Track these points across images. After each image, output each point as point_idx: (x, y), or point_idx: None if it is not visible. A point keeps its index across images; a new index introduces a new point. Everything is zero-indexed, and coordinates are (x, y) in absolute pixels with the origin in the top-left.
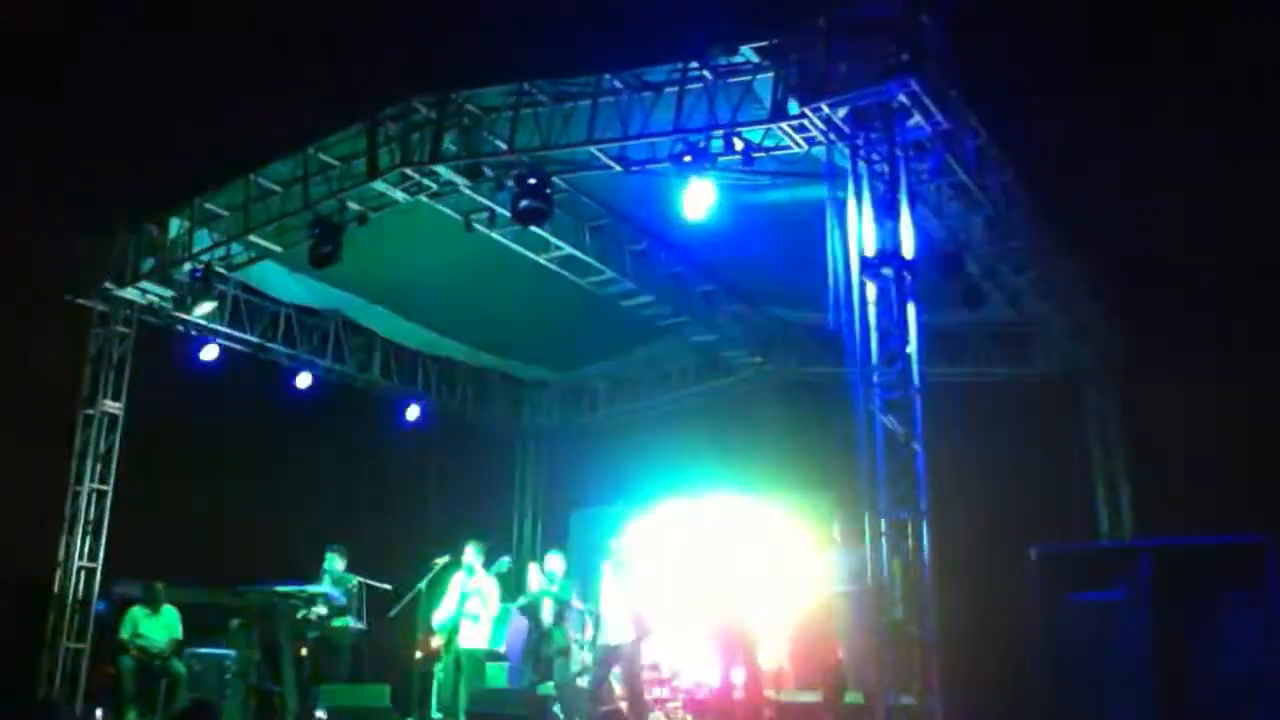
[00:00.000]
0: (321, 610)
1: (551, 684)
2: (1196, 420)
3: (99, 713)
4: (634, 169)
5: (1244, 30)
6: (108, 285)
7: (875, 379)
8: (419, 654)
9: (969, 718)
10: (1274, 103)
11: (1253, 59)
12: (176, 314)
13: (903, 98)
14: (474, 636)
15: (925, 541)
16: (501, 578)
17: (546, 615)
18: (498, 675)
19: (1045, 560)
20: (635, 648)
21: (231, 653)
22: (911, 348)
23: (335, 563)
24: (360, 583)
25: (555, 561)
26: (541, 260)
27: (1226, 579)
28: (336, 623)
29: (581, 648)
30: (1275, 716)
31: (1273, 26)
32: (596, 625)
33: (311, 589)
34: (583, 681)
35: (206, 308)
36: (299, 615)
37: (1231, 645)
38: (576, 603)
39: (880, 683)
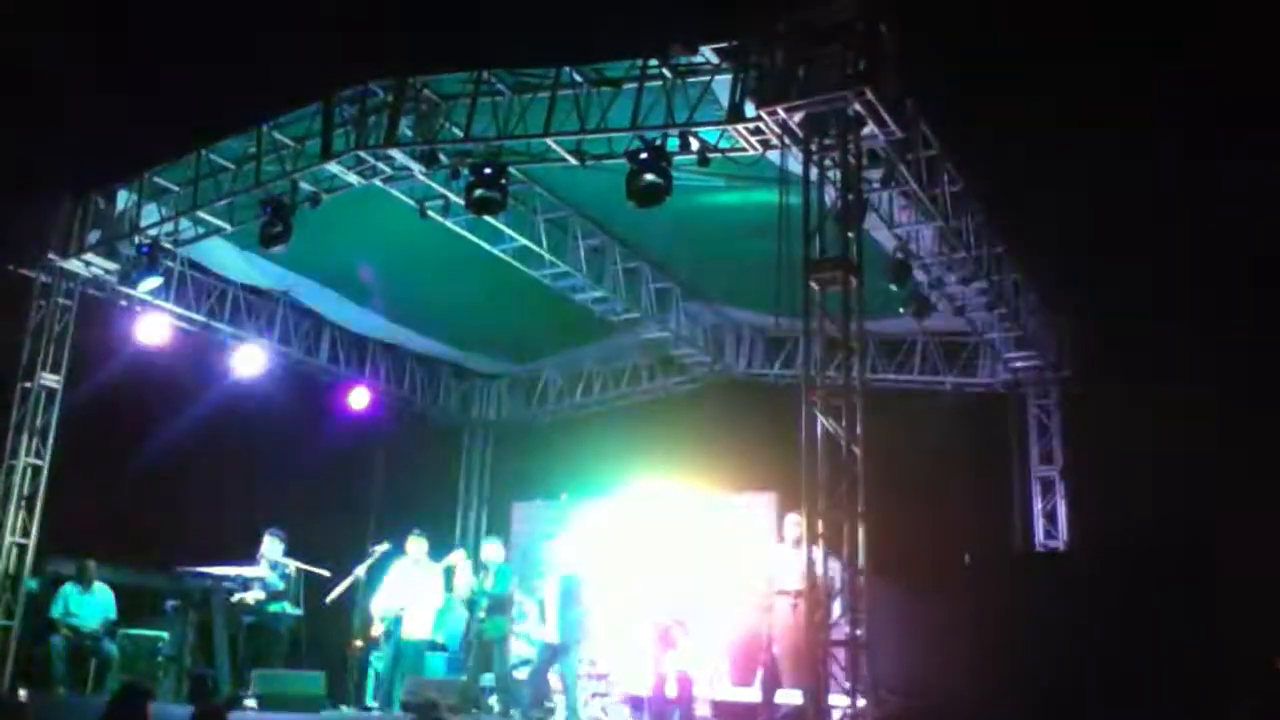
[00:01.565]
0: (258, 594)
1: (491, 675)
2: (1135, 432)
3: (23, 693)
4: (590, 163)
5: (1198, 34)
6: (51, 256)
7: (818, 382)
8: (359, 642)
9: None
10: (1220, 111)
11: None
12: (121, 288)
13: (858, 106)
14: (415, 627)
15: (861, 543)
16: (447, 570)
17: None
18: (437, 665)
19: (980, 565)
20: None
21: (165, 635)
22: (855, 352)
23: (273, 547)
24: (298, 568)
25: (493, 550)
26: (495, 251)
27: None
28: (273, 607)
29: (519, 638)
30: None
31: (1227, 31)
32: (540, 615)
33: (248, 573)
34: (521, 673)
35: (152, 283)
36: (235, 599)
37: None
38: (515, 593)
39: (815, 683)
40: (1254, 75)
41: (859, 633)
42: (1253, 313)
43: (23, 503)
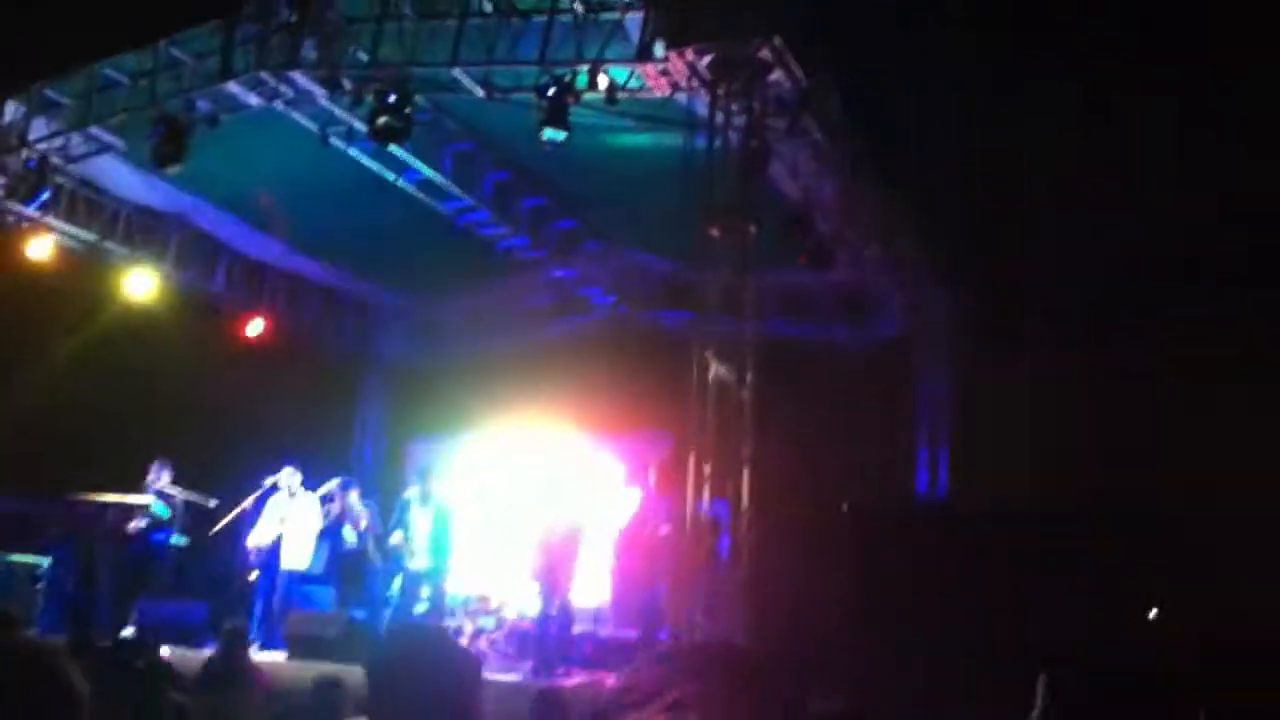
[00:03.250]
0: (142, 523)
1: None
2: (1021, 393)
3: None
4: (497, 96)
5: None
6: None
7: (712, 327)
8: (252, 575)
9: (781, 657)
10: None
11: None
12: (8, 204)
13: (766, 53)
14: (293, 558)
15: (745, 487)
16: (325, 499)
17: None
18: (321, 598)
19: (856, 514)
20: None
21: (44, 562)
22: (750, 300)
23: (161, 475)
24: (185, 499)
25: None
26: (398, 183)
27: None
28: (156, 537)
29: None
30: None
31: None
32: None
33: (133, 500)
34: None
35: (40, 199)
36: (119, 527)
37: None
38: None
39: (692, 619)
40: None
41: (738, 572)
42: (1146, 280)
43: None
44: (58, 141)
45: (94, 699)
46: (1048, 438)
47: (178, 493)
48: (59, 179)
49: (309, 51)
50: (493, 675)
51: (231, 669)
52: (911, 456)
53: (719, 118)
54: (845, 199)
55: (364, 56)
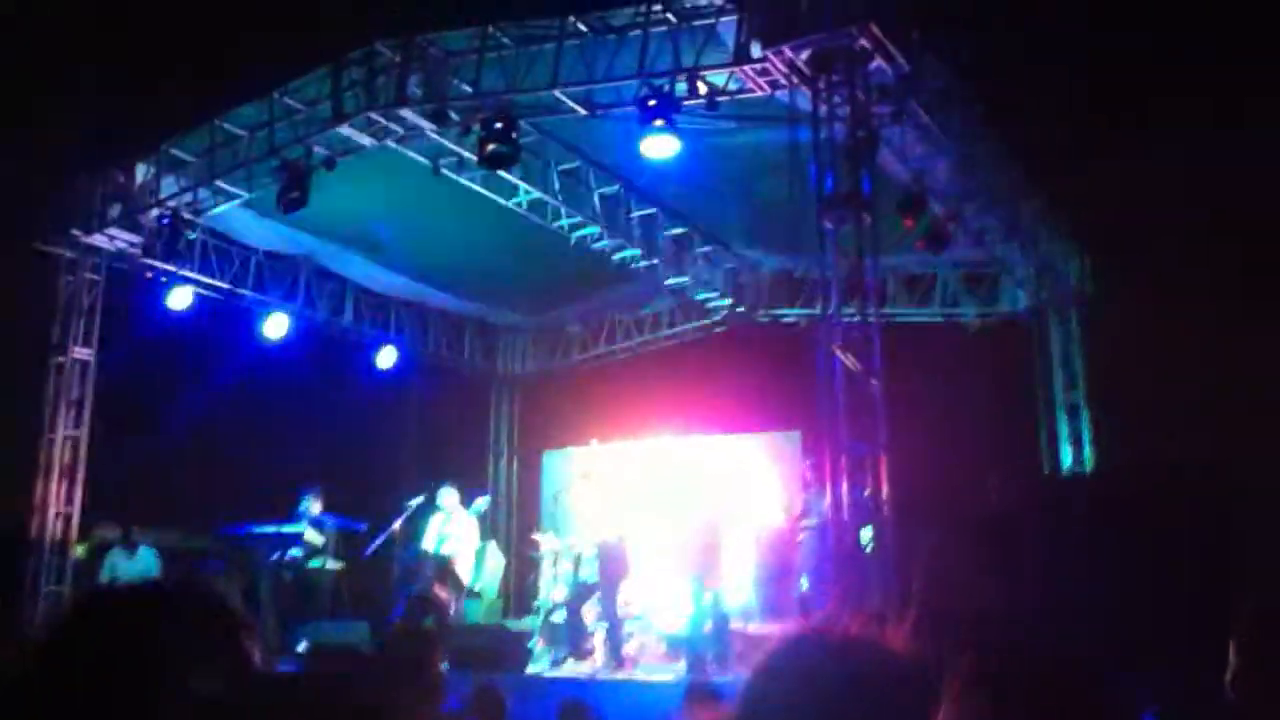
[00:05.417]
0: (298, 552)
1: (530, 618)
2: (1158, 357)
3: None
4: (599, 113)
5: None
6: (75, 232)
7: (835, 318)
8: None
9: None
10: (1243, 46)
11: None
12: (145, 260)
13: (864, 41)
14: (461, 575)
15: (883, 476)
16: (481, 517)
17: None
18: (474, 611)
19: (1004, 491)
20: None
21: None
22: (870, 288)
23: (312, 505)
24: (336, 524)
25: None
26: (509, 205)
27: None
28: (313, 563)
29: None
30: None
31: None
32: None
33: (288, 530)
34: (558, 617)
35: (175, 254)
36: (276, 557)
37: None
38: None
39: (838, 612)
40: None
41: (882, 564)
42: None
43: (65, 472)
44: (187, 197)
45: None
46: (1192, 401)
47: (329, 519)
48: (190, 233)
49: (415, 88)
50: (645, 676)
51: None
52: (1051, 432)
53: (822, 111)
54: (960, 175)
55: (467, 88)
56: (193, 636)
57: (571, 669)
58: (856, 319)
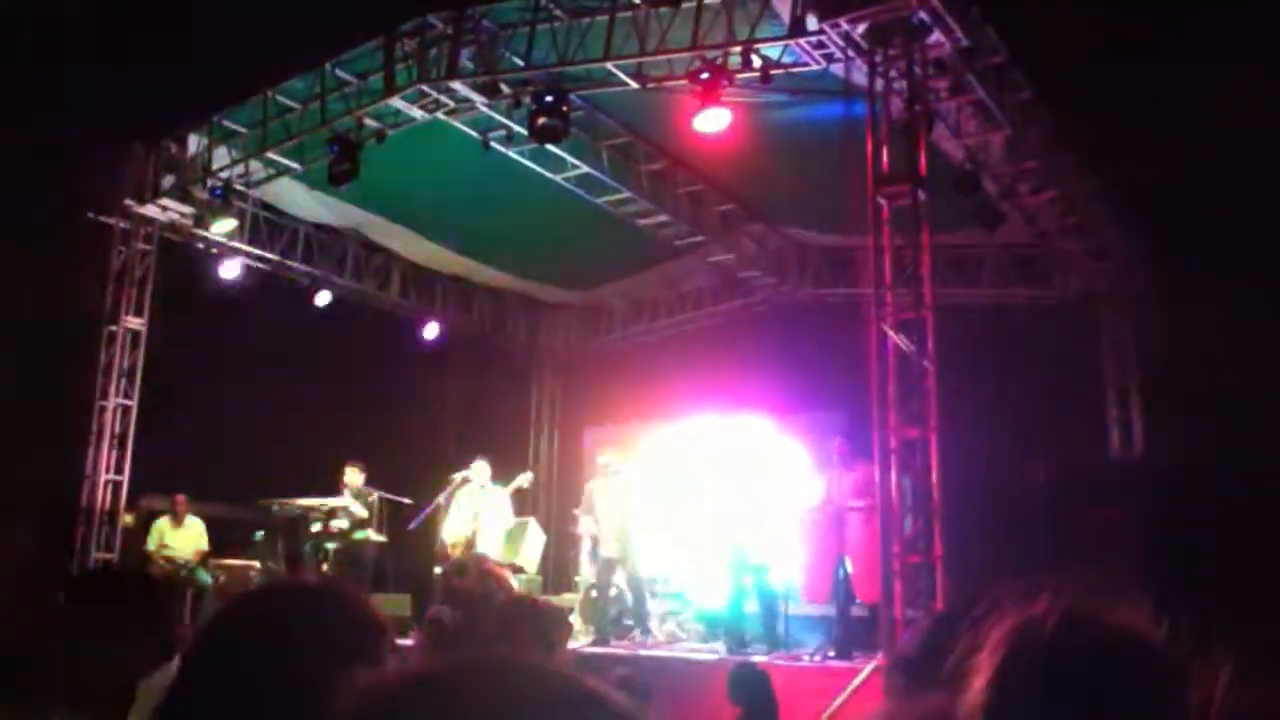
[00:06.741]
0: (343, 523)
1: (570, 595)
2: (1213, 343)
3: None
4: (651, 86)
5: None
6: (128, 202)
7: (888, 298)
8: (438, 568)
9: None
10: None
11: None
12: (197, 231)
13: (923, 14)
14: (487, 550)
15: (933, 458)
16: (520, 492)
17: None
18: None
19: (1055, 476)
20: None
21: (255, 564)
22: (924, 267)
23: (355, 477)
24: (379, 497)
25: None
26: (558, 179)
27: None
28: (358, 535)
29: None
30: None
31: None
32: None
33: (332, 502)
34: (596, 595)
35: (226, 225)
36: (320, 528)
37: None
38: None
39: (886, 596)
40: None
41: (931, 547)
42: None
43: (115, 441)
44: (239, 169)
45: None
46: (1248, 392)
47: (372, 492)
48: (242, 204)
49: (466, 61)
50: (688, 654)
51: None
52: (1101, 417)
53: (879, 85)
54: (1015, 153)
55: (518, 61)
56: (347, 641)
57: (612, 645)
58: (909, 299)
